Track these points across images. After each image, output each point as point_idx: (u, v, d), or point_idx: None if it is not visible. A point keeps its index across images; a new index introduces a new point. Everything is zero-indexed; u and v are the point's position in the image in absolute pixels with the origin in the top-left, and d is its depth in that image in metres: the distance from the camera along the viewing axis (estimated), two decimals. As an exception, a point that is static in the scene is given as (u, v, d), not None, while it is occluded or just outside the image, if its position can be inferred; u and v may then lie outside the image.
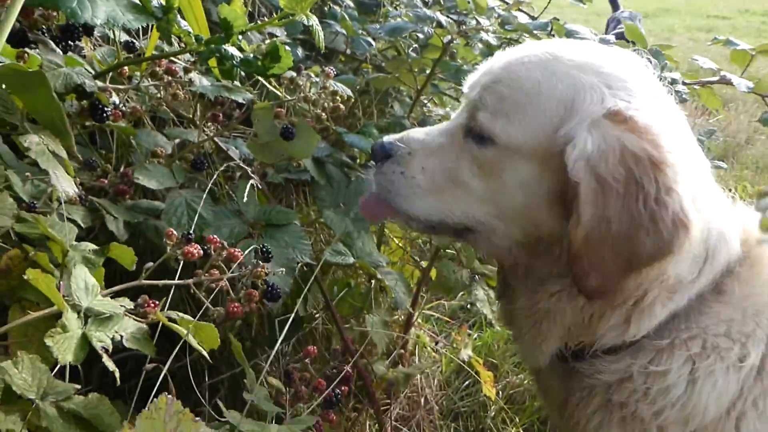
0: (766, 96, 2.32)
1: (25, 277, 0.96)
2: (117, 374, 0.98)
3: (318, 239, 2.45)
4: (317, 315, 2.26)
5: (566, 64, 1.25)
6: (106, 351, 0.98)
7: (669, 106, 1.31)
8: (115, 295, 1.32)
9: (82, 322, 1.00)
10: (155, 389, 1.57)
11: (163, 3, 1.19)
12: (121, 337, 1.04)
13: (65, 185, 1.13)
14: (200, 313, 1.45)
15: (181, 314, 1.15)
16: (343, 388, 1.67)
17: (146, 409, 0.83)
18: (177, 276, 1.39)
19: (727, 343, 1.23)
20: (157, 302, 1.16)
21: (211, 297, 1.36)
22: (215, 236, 1.40)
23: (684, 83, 2.42)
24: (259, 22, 1.59)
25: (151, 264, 1.23)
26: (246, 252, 1.44)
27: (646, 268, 1.18)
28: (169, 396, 0.85)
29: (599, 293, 1.20)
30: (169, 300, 1.39)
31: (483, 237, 1.35)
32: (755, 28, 13.98)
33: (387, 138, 1.43)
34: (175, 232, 1.27)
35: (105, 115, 1.34)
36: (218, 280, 1.38)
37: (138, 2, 1.14)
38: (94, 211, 1.63)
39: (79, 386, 1.04)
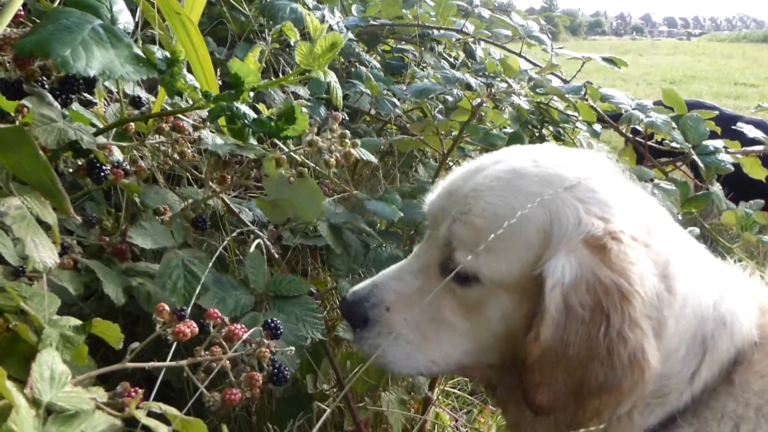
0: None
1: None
2: None
3: (334, 307, 2.31)
4: (328, 392, 2.08)
5: (534, 181, 1.22)
6: None
7: (636, 204, 1.26)
8: (98, 379, 1.18)
9: (41, 422, 0.85)
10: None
11: (168, 55, 1.09)
12: None
13: (44, 255, 1.01)
14: (194, 397, 1.30)
15: (164, 406, 1.00)
16: None
17: None
18: (172, 352, 1.26)
19: None
20: (137, 390, 1.01)
21: (209, 379, 1.21)
22: (216, 310, 1.26)
23: (727, 151, 2.28)
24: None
25: (136, 344, 1.09)
26: (251, 330, 1.30)
27: (596, 398, 1.15)
28: None
29: (544, 410, 1.19)
30: (158, 383, 1.25)
31: (454, 370, 1.36)
32: (784, 97, 13.85)
33: (355, 293, 1.37)
34: (167, 308, 1.13)
35: (103, 174, 1.23)
36: (218, 360, 1.24)
37: (140, 54, 1.04)
38: (91, 273, 1.52)
39: None
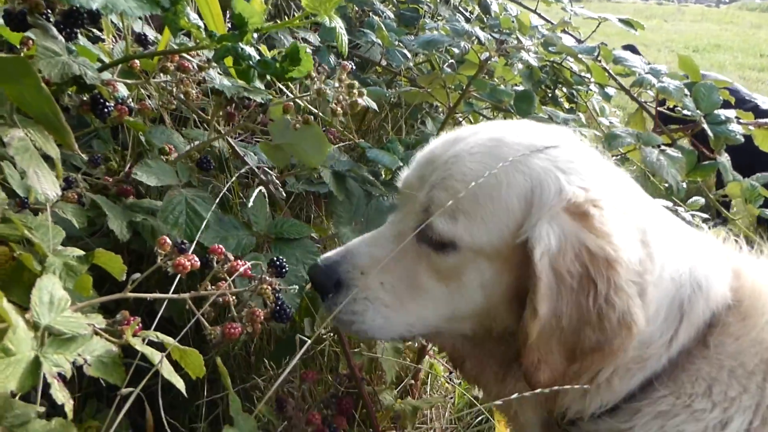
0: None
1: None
2: (69, 407, 0.85)
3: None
4: (324, 336, 2.14)
5: (514, 149, 1.22)
6: (63, 378, 0.87)
7: (611, 175, 1.29)
8: (99, 308, 1.21)
9: (38, 343, 0.89)
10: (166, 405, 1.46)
11: (173, -8, 1.09)
12: (85, 360, 0.92)
13: (46, 186, 1.03)
14: (190, 328, 1.33)
15: (162, 336, 1.04)
16: (339, 419, 1.54)
17: None
18: (174, 285, 1.29)
19: (703, 403, 1.19)
20: (136, 318, 1.05)
21: (204, 309, 1.24)
22: (220, 246, 1.29)
23: (739, 122, 2.25)
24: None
25: (137, 275, 1.12)
26: (249, 263, 1.32)
27: (588, 358, 1.17)
28: None
29: (546, 386, 1.19)
30: (159, 317, 1.28)
31: (429, 336, 1.36)
32: (810, 70, 13.50)
33: (327, 258, 1.34)
34: (168, 240, 1.16)
35: (106, 110, 1.24)
36: (221, 294, 1.27)
37: (145, -11, 1.04)
38: (96, 209, 1.55)
39: (42, 409, 0.93)
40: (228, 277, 1.28)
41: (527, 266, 1.15)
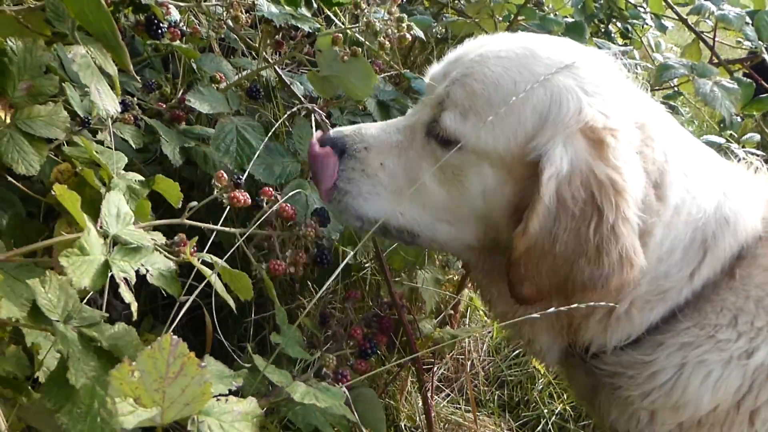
0: None
1: (52, 192, 0.93)
2: (135, 307, 0.93)
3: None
4: (366, 264, 2.20)
5: (544, 63, 1.19)
6: (127, 282, 0.94)
7: (640, 105, 1.24)
8: (155, 230, 1.29)
9: (107, 249, 0.96)
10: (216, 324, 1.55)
11: None
12: (147, 271, 0.99)
13: (107, 103, 1.09)
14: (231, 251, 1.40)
15: (214, 258, 1.10)
16: (380, 337, 1.60)
17: (149, 347, 0.77)
18: (224, 217, 1.35)
19: (728, 333, 1.18)
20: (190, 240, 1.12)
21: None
22: (270, 189, 1.34)
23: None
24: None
25: (194, 203, 1.19)
26: (291, 193, 1.38)
27: (580, 295, 1.14)
28: (175, 337, 0.78)
29: (528, 301, 1.19)
30: (210, 242, 1.35)
31: (427, 241, 1.31)
32: None
33: (336, 130, 1.34)
34: (225, 175, 1.22)
35: (160, 30, 1.28)
36: (267, 237, 1.33)
37: None
38: (151, 134, 1.61)
39: (107, 314, 1.01)
40: (275, 220, 1.34)
41: (532, 181, 1.13)
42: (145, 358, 0.74)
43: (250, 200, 1.29)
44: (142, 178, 1.28)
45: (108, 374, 0.74)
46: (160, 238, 1.19)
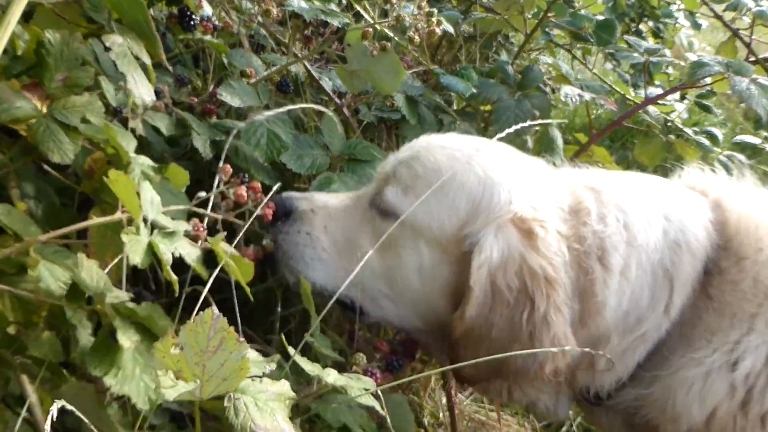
0: None
1: (105, 178, 0.95)
2: (176, 284, 0.96)
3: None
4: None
5: (485, 164, 1.27)
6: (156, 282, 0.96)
7: (577, 182, 1.31)
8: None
9: (149, 233, 0.99)
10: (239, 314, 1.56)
11: None
12: (180, 254, 1.02)
13: (143, 91, 1.10)
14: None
15: (225, 245, 1.12)
16: (405, 359, 1.60)
17: (191, 321, 0.79)
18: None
19: (704, 352, 1.20)
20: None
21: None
22: (258, 184, 1.32)
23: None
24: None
25: (203, 194, 1.21)
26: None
27: (515, 379, 1.19)
28: (216, 312, 0.81)
29: (468, 381, 1.26)
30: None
31: (377, 317, 1.34)
32: None
33: (289, 194, 1.40)
34: (229, 168, 1.24)
35: (192, 23, 1.30)
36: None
37: None
38: (182, 127, 1.63)
39: (132, 295, 1.03)
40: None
41: (467, 267, 1.18)
42: (188, 331, 0.76)
43: (261, 194, 1.29)
44: (153, 163, 1.30)
45: (143, 344, 0.76)
46: (184, 225, 1.20)
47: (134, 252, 0.94)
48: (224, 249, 1.15)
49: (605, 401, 1.31)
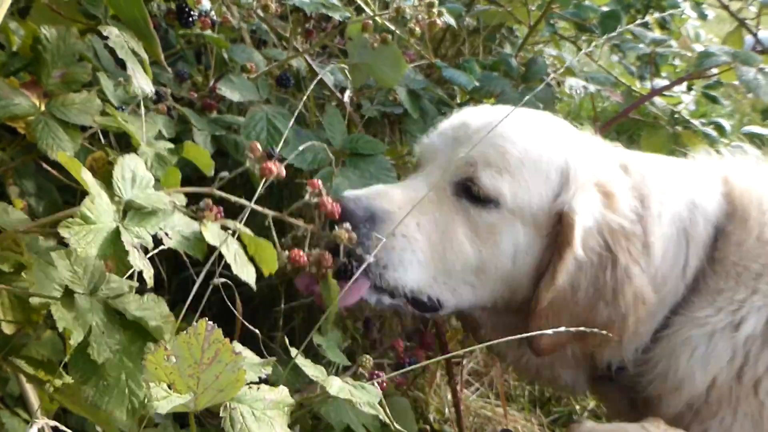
0: None
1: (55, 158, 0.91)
2: (150, 275, 0.88)
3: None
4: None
5: (557, 134, 1.34)
6: (145, 249, 0.91)
7: (624, 156, 1.39)
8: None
9: (119, 216, 0.91)
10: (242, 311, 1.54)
11: None
12: (166, 234, 0.94)
13: (142, 82, 1.09)
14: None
15: (240, 225, 1.06)
16: (419, 351, 1.57)
17: (185, 332, 0.75)
18: (257, 193, 1.30)
19: (707, 311, 1.24)
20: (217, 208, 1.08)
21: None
22: (319, 181, 1.16)
23: None
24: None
25: (225, 174, 1.15)
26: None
27: (595, 338, 1.16)
28: (210, 322, 0.76)
29: (546, 352, 1.26)
30: (244, 219, 1.33)
31: (448, 307, 1.29)
32: None
33: (351, 193, 1.23)
34: (259, 146, 1.17)
35: (191, 18, 1.28)
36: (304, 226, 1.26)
37: None
38: (182, 124, 1.62)
39: (137, 284, 0.98)
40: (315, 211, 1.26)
41: (556, 236, 1.22)
42: (181, 343, 0.73)
43: (284, 172, 1.18)
44: (171, 145, 1.25)
45: (135, 346, 0.73)
46: (181, 200, 1.11)
47: (86, 244, 0.84)
48: (238, 229, 1.05)
49: (621, 375, 1.33)
